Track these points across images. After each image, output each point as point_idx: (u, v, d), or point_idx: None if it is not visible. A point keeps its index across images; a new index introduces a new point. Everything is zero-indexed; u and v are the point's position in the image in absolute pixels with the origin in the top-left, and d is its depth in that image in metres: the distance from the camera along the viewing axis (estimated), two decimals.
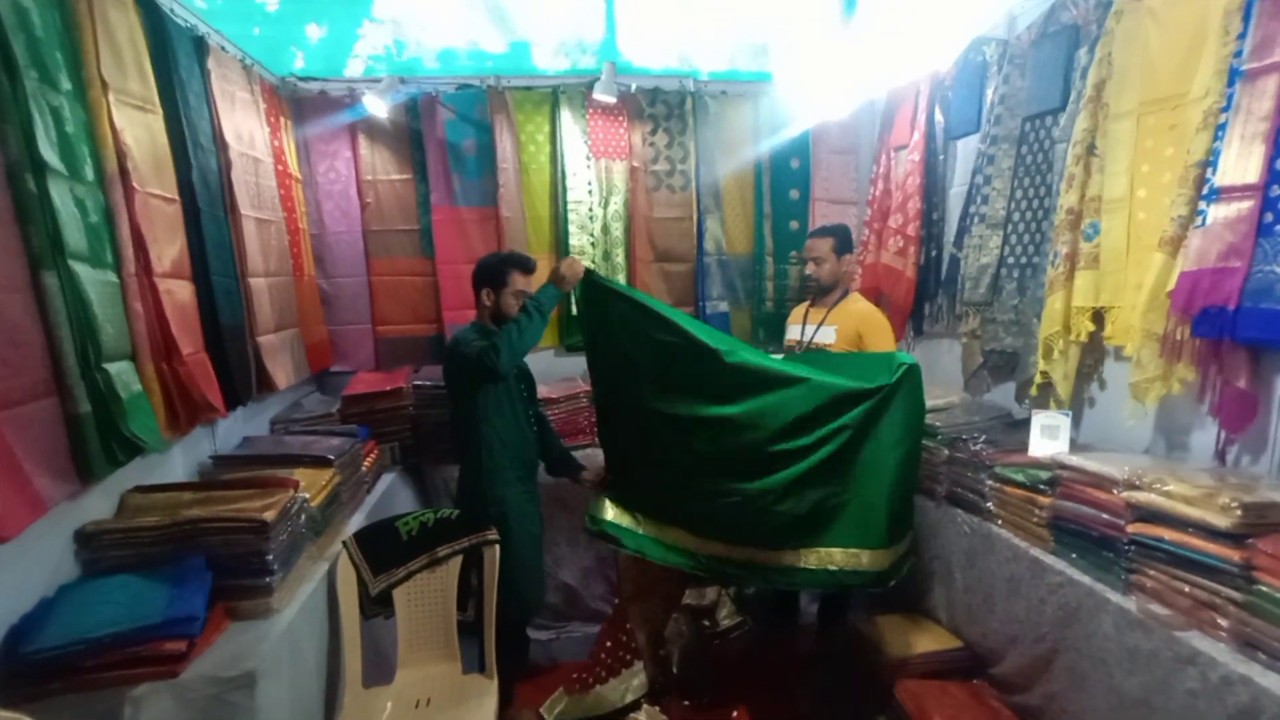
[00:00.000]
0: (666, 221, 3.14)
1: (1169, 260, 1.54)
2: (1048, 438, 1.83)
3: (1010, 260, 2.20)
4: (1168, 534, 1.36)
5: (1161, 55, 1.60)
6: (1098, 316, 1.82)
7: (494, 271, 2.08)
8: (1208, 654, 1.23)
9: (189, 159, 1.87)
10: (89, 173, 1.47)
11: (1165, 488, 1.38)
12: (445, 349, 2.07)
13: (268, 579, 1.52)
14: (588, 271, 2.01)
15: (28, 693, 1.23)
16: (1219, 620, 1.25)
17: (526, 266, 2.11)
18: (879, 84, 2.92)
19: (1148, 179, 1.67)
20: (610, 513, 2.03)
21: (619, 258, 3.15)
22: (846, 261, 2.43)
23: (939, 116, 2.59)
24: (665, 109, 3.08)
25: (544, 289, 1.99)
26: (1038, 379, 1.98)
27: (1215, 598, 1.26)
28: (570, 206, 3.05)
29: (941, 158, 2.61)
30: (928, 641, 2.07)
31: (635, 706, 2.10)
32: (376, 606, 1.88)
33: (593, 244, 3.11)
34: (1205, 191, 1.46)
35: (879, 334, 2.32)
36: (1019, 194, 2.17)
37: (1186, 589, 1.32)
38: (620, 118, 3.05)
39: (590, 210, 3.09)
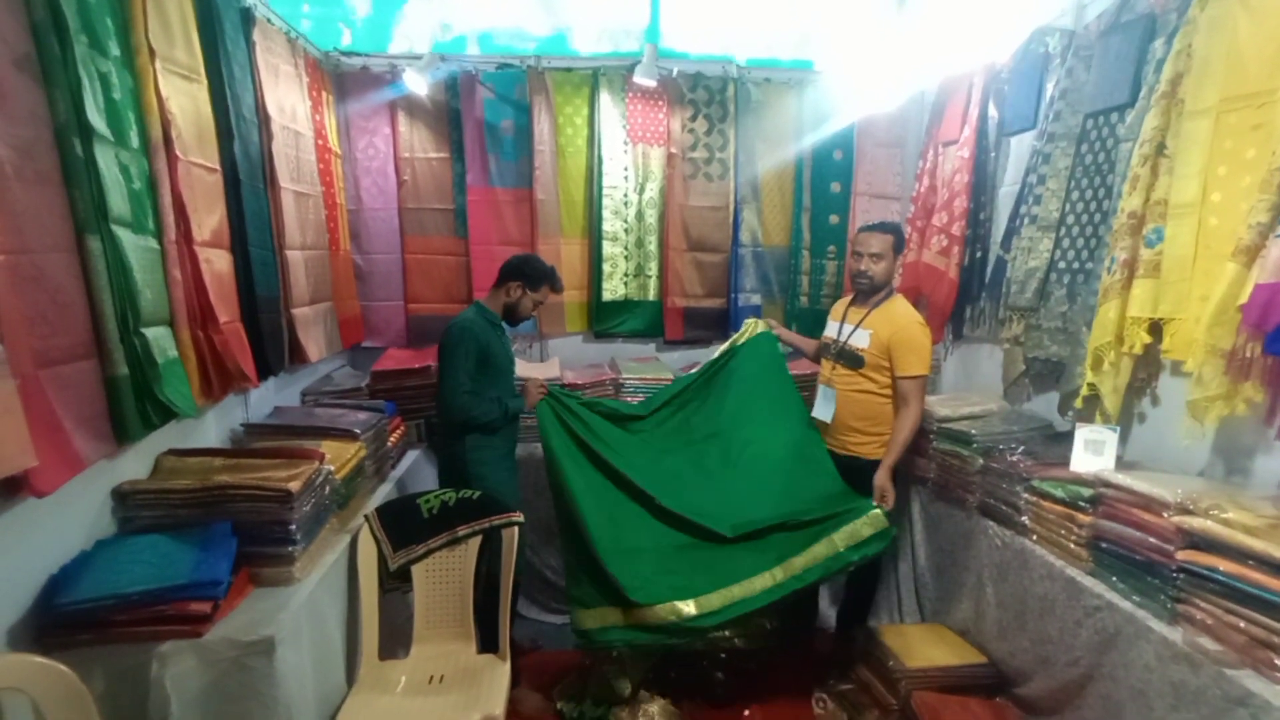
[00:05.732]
0: (702, 210, 3.08)
1: (1242, 271, 1.43)
2: (1092, 453, 1.74)
3: (1061, 265, 2.09)
4: (1223, 564, 1.27)
5: (1251, 47, 1.48)
6: (1155, 328, 1.71)
7: (534, 277, 2.20)
8: (1262, 696, 1.15)
9: (232, 130, 1.89)
10: (134, 139, 1.49)
11: (1224, 515, 1.29)
12: (448, 328, 2.10)
13: (290, 548, 1.55)
14: (548, 397, 2.25)
15: (61, 642, 1.28)
16: (1277, 661, 1.17)
17: (557, 287, 2.30)
18: (930, 75, 2.80)
19: (1224, 182, 1.55)
20: (590, 622, 2.04)
21: (652, 245, 3.11)
22: (899, 262, 2.37)
23: (992, 111, 2.47)
24: (706, 95, 3.00)
25: (518, 401, 2.21)
26: (1084, 390, 1.88)
27: (1274, 637, 1.18)
28: (605, 191, 3.01)
29: (993, 155, 2.49)
30: (949, 654, 2.01)
31: (648, 699, 2.09)
32: (395, 580, 1.91)
33: (626, 230, 3.08)
34: None
35: (908, 352, 2.13)
36: (1075, 195, 2.06)
37: (1242, 625, 1.24)
38: (660, 102, 2.99)
39: (625, 196, 3.05)
